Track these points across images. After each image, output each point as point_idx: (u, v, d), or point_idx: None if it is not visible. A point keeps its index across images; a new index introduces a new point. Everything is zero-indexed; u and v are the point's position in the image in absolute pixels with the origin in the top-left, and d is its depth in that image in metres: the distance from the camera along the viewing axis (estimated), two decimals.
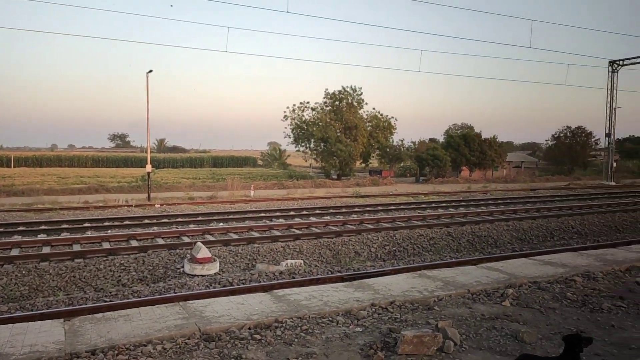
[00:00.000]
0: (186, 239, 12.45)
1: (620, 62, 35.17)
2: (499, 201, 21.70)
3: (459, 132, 57.09)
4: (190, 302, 5.75)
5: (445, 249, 12.95)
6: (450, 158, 44.81)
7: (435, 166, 42.77)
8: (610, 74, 35.66)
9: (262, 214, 16.74)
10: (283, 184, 32.19)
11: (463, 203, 20.58)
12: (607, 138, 37.18)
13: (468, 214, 17.18)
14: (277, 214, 17.09)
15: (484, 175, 48.98)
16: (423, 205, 19.76)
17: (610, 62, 35.71)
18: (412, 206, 19.67)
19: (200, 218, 15.89)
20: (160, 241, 12.16)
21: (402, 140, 49.90)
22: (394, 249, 12.58)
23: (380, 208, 18.95)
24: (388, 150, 47.05)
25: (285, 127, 44.68)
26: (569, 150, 55.41)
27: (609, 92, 35.81)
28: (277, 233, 13.30)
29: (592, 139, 56.52)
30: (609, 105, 35.95)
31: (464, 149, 47.06)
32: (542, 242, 14.28)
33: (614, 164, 39.12)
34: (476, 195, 25.71)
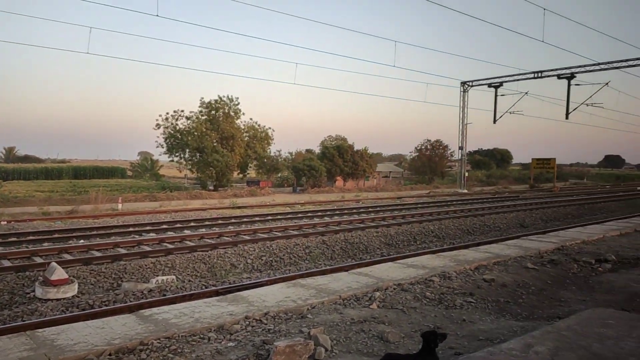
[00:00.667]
0: (39, 260, 11.10)
1: (470, 83, 39.73)
2: (370, 209, 22.98)
3: (333, 143, 59.50)
4: (41, 330, 5.10)
5: (320, 257, 13.30)
6: (326, 168, 46.46)
7: (311, 176, 43.97)
8: (462, 93, 40.08)
9: (131, 229, 15.64)
10: (155, 196, 30.49)
11: (337, 212, 21.41)
12: (460, 150, 41.58)
13: (342, 222, 17.89)
14: (148, 227, 16.10)
15: (356, 184, 51.59)
16: (299, 215, 20.14)
17: (461, 82, 40.14)
18: (288, 216, 19.92)
19: (56, 235, 14.32)
20: (6, 263, 10.68)
21: (279, 151, 50.58)
22: (271, 259, 12.59)
23: (257, 219, 18.88)
24: (265, 160, 47.26)
25: (158, 136, 42.53)
26: (429, 161, 60.92)
27: (461, 109, 40.22)
28: (147, 248, 12.50)
29: (449, 151, 62.81)
30: (461, 121, 40.32)
31: (338, 159, 49.14)
32: (407, 246, 15.41)
33: (466, 174, 43.91)
34: (349, 204, 26.93)
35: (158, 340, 4.72)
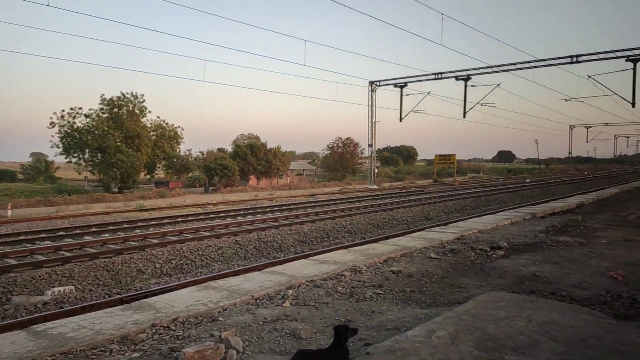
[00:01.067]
0: None
1: (378, 83, 41.24)
2: (284, 207, 23.02)
3: (246, 142, 58.81)
4: None
5: (233, 258, 13.08)
6: (239, 167, 45.78)
7: (224, 176, 43.09)
8: (370, 92, 41.49)
9: (22, 237, 14.28)
10: (51, 201, 28.10)
11: (251, 211, 21.19)
12: (369, 148, 43.02)
13: (255, 221, 17.73)
14: (42, 235, 14.80)
15: (270, 183, 51.45)
16: (212, 216, 19.64)
17: (370, 82, 41.55)
18: (200, 217, 19.36)
19: None
20: None
21: (189, 150, 48.90)
22: (181, 262, 12.14)
23: (167, 221, 18.11)
24: (175, 160, 45.51)
25: (53, 136, 39.19)
26: (341, 158, 62.42)
27: (370, 108, 41.64)
28: (41, 257, 11.48)
29: (359, 149, 64.75)
30: (370, 119, 41.75)
31: (251, 158, 48.66)
32: (320, 242, 15.65)
33: (376, 170, 45.57)
34: (263, 203, 26.77)
35: (53, 357, 4.34)
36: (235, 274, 10.21)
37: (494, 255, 9.04)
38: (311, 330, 4.92)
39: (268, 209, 22.04)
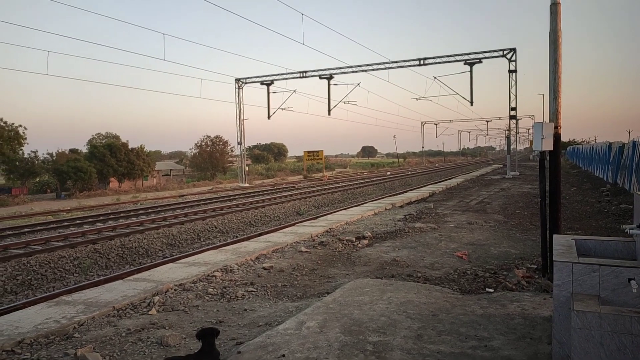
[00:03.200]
0: None
1: (244, 80, 40.99)
2: (150, 210, 21.78)
3: (104, 142, 54.28)
4: None
5: (92, 268, 12.01)
6: (96, 170, 42.12)
7: (79, 179, 39.28)
8: (237, 90, 41.07)
9: None
10: None
11: (112, 216, 19.66)
12: (239, 146, 42.65)
13: (117, 226, 16.49)
14: None
15: (134, 185, 48.23)
16: (65, 223, 17.78)
17: (236, 79, 41.10)
18: (51, 226, 17.39)
19: None
20: None
21: (35, 152, 43.52)
22: (29, 277, 10.80)
23: (9, 232, 15.93)
24: (18, 164, 40.21)
25: None
26: (211, 157, 60.89)
27: (237, 105, 41.22)
28: None
29: (229, 147, 63.78)
30: (238, 117, 41.34)
31: (111, 159, 45.12)
32: (191, 244, 15.13)
33: (247, 168, 45.35)
34: (127, 207, 25.00)
35: None
36: (95, 284, 9.39)
37: (359, 245, 9.59)
38: (180, 336, 4.73)
39: (132, 213, 20.64)
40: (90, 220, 18.52)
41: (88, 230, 15.58)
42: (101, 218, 19.03)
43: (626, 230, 4.09)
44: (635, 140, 17.78)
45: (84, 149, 53.57)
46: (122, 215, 19.98)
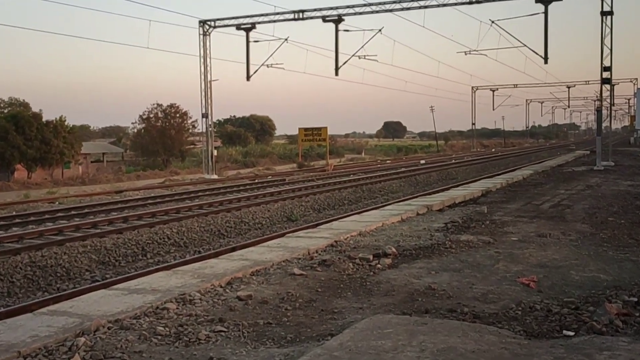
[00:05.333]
0: None
1: (213, 23, 40.95)
2: (73, 212, 21.87)
3: (6, 112, 54.37)
4: None
5: None
6: None
7: None
8: (202, 36, 41.00)
9: None
10: None
11: (17, 220, 19.78)
12: (204, 119, 42.60)
13: (25, 235, 16.56)
14: None
15: (50, 175, 48.41)
16: None
17: (200, 22, 41.07)
18: None
19: None
20: None
21: None
22: None
23: None
24: None
25: None
26: (162, 135, 60.85)
27: (202, 60, 41.20)
28: None
29: (189, 121, 63.70)
30: (203, 76, 41.32)
31: (17, 137, 45.23)
32: (132, 262, 15.22)
33: (215, 153, 45.35)
34: (40, 207, 25.08)
35: None
36: None
37: (379, 266, 9.59)
38: None
39: (47, 216, 20.73)
40: None
41: None
42: (0, 223, 19.09)
43: None
44: None
45: None
46: (32, 219, 20.06)
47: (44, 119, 49.31)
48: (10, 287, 12.63)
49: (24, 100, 66.80)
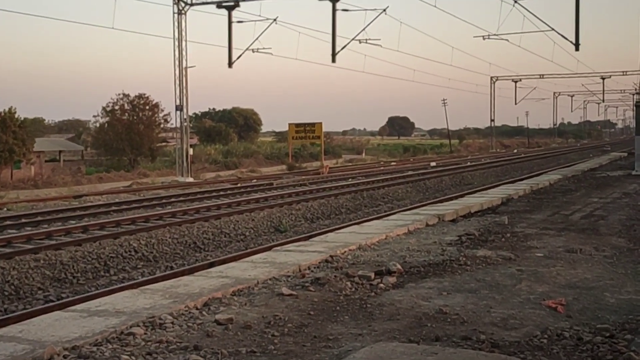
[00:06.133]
0: None
1: (189, 0, 40.92)
2: (24, 220, 21.81)
3: None
4: None
5: None
6: None
7: None
8: (176, 15, 40.93)
9: None
10: None
11: None
12: (178, 112, 42.41)
13: None
14: None
15: None
16: None
17: None
18: None
19: None
20: None
21: None
22: None
23: None
24: None
25: None
26: (129, 131, 60.45)
27: (177, 42, 41.10)
28: None
29: (161, 114, 63.39)
30: (178, 62, 41.24)
31: None
32: (93, 279, 15.16)
33: (191, 152, 45.18)
34: None
35: None
36: None
37: (381, 285, 9.58)
38: None
39: None
40: None
41: None
42: None
43: None
44: None
45: None
46: None
47: None
48: None
49: None
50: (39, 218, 22.20)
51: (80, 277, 15.12)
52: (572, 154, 70.40)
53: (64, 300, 12.30)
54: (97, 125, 68.65)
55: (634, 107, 38.54)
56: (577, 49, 34.63)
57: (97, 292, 12.94)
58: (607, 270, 10.69)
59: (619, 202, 21.03)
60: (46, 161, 63.65)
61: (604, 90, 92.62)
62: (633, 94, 70.59)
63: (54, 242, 17.25)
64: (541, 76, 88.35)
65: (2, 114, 49.49)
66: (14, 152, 49.29)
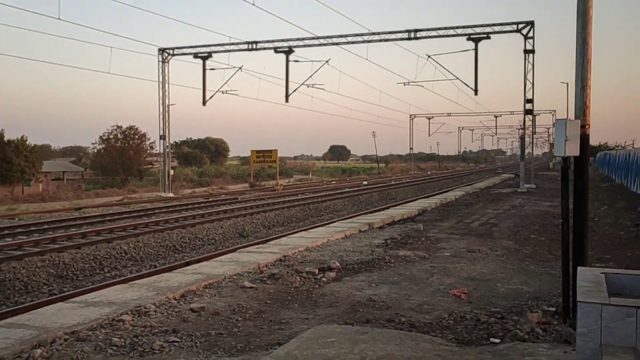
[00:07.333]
0: None
1: (171, 52, 40.59)
2: (32, 228, 21.19)
3: None
4: None
5: None
6: None
7: None
8: (160, 63, 40.57)
9: None
10: None
11: None
12: (162, 141, 42.07)
13: None
14: None
15: (11, 192, 46.91)
16: None
17: (160, 49, 40.63)
18: None
19: None
20: None
21: None
22: None
23: None
24: None
25: None
26: (121, 156, 59.77)
27: (161, 85, 40.71)
28: None
29: (147, 142, 62.85)
30: (161, 101, 40.83)
31: None
32: (90, 276, 14.82)
33: (172, 172, 44.79)
34: None
35: None
36: None
37: (324, 279, 9.62)
38: None
39: (7, 232, 20.01)
40: None
41: None
42: None
43: None
44: None
45: None
46: None
47: (5, 139, 47.82)
48: None
49: None
50: (45, 226, 21.64)
51: (79, 274, 14.82)
52: (472, 175, 71.61)
53: (65, 294, 12.05)
54: (95, 150, 67.64)
55: (519, 139, 39.69)
56: (476, 93, 35.34)
57: (93, 286, 12.69)
58: (499, 266, 10.93)
59: (508, 213, 21.51)
60: (52, 180, 62.15)
61: (496, 126, 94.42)
62: (518, 129, 72.58)
63: (57, 245, 16.87)
64: (449, 114, 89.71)
65: (16, 141, 48.26)
66: (25, 172, 48.11)
